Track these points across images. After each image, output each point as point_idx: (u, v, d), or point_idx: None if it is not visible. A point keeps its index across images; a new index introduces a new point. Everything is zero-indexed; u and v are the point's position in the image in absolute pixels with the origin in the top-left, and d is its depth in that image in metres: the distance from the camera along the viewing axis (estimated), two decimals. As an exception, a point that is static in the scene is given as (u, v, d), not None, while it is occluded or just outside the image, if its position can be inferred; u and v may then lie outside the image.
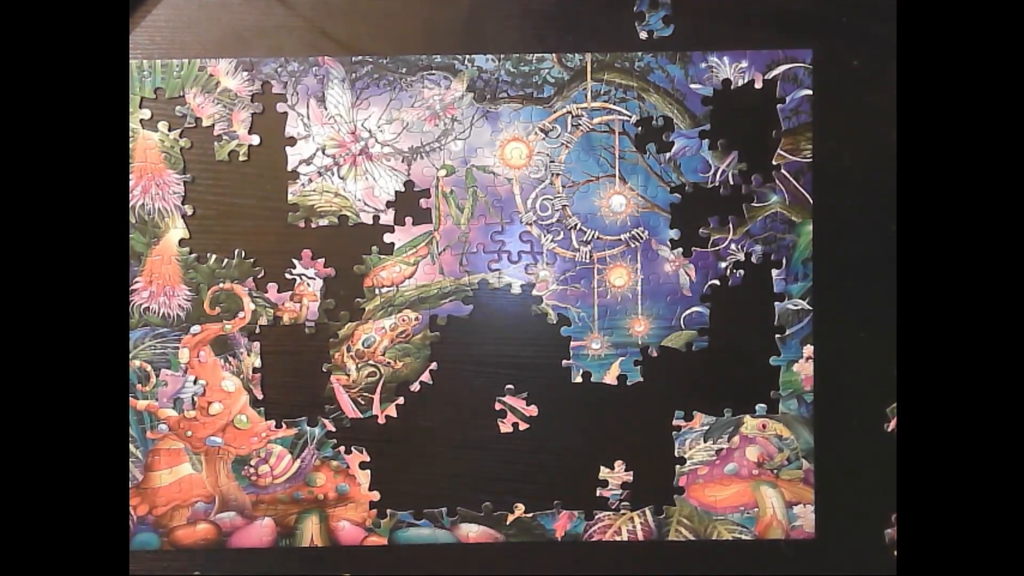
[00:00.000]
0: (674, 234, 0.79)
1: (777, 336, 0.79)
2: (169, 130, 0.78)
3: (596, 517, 0.80)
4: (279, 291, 0.79)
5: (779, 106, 0.78)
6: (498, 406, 0.80)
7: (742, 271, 0.79)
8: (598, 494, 0.80)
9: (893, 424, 0.79)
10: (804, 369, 0.79)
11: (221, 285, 0.79)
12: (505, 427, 0.80)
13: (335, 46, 0.79)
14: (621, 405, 0.80)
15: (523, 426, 0.80)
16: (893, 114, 0.58)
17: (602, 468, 0.80)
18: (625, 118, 0.79)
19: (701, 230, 0.79)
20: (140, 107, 0.78)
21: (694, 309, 0.79)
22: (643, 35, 0.78)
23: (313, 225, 0.79)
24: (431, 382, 0.80)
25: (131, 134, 0.78)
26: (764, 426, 0.80)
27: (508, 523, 0.80)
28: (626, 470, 0.80)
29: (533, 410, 0.80)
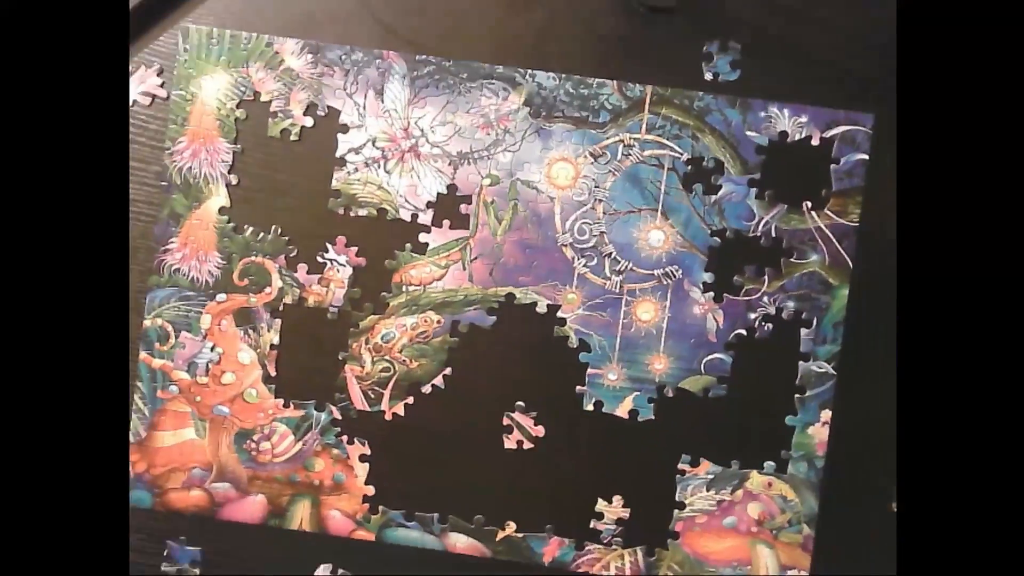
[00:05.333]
0: (708, 277, 0.78)
1: (797, 395, 0.78)
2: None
3: (586, 548, 0.79)
4: (308, 272, 0.79)
5: (832, 166, 0.78)
6: (506, 421, 0.79)
7: (770, 325, 0.78)
8: (592, 526, 0.79)
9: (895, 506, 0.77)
10: (819, 433, 0.78)
11: (253, 258, 0.80)
12: (509, 443, 0.79)
13: (402, 42, 0.79)
14: (628, 440, 0.79)
15: (527, 445, 0.79)
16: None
17: (599, 500, 0.79)
18: (676, 155, 0.78)
19: (736, 278, 0.78)
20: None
21: (716, 355, 0.78)
22: (708, 76, 0.78)
23: (352, 214, 0.79)
24: (443, 386, 0.79)
25: (190, 98, 0.79)
26: (770, 484, 0.79)
27: (497, 539, 0.80)
28: (623, 506, 0.79)
29: (540, 431, 0.79)
